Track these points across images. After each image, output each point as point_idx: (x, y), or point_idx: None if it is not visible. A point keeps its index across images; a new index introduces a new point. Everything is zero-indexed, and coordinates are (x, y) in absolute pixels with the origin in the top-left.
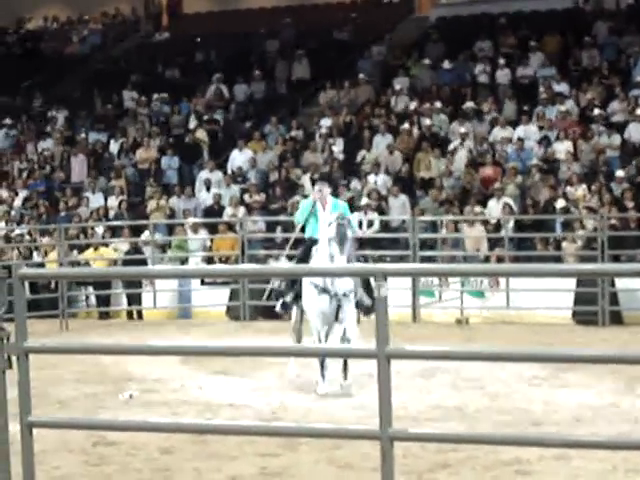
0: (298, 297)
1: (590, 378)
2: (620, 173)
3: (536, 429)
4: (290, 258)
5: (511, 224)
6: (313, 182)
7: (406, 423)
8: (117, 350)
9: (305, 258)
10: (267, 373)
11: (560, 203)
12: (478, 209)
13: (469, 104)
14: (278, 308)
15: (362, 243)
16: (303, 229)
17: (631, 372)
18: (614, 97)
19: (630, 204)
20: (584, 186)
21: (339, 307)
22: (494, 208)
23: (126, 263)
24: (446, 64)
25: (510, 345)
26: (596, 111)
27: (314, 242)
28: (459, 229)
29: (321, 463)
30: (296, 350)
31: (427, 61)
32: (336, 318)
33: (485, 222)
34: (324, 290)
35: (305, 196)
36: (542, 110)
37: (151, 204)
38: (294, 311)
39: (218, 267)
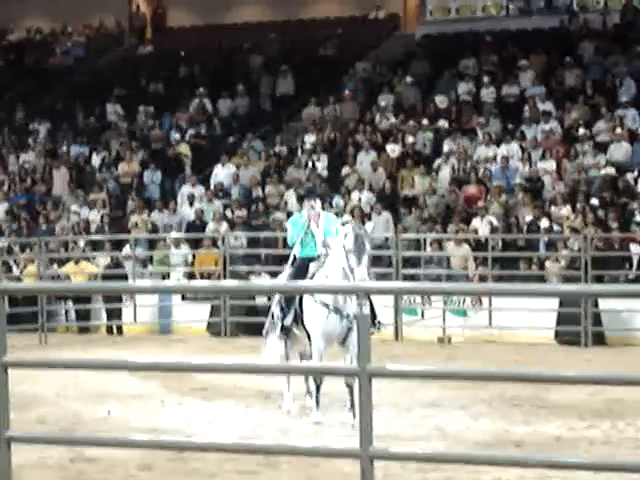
0: (297, 319)
1: (571, 399)
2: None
3: (517, 450)
4: (272, 275)
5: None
6: (301, 198)
7: (386, 442)
8: (96, 365)
9: (300, 276)
10: (248, 390)
11: (544, 223)
12: (464, 227)
13: (453, 122)
14: (278, 333)
15: None
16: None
17: (612, 394)
18: (599, 117)
19: (614, 224)
20: (568, 206)
21: (348, 329)
22: (478, 227)
23: (106, 277)
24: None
25: (492, 365)
26: (581, 131)
27: (310, 260)
28: (443, 247)
29: None
30: (281, 368)
31: (411, 79)
32: (343, 341)
33: (469, 241)
34: (336, 310)
35: (289, 214)
36: (526, 129)
37: (132, 218)
38: (272, 344)
39: (200, 283)
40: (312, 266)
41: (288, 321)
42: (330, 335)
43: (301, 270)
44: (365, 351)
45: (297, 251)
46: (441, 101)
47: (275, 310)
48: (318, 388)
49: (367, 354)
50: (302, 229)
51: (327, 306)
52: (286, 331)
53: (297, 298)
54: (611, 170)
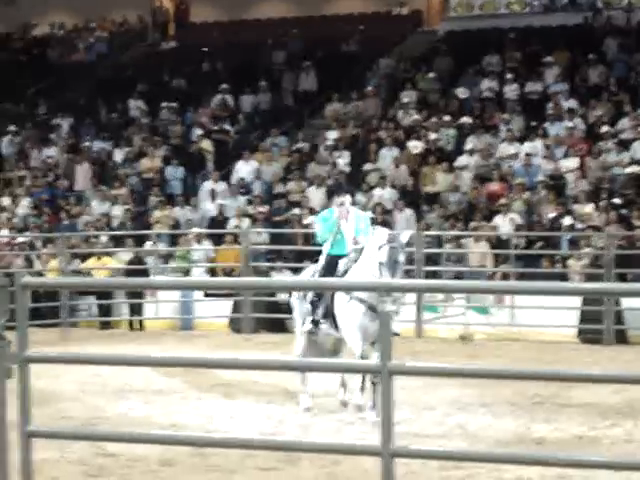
0: (327, 314)
1: (593, 397)
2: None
3: (538, 448)
4: (294, 272)
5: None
6: (331, 194)
7: (407, 440)
8: (118, 361)
9: (329, 274)
10: (269, 387)
11: (567, 220)
12: (484, 224)
13: (477, 119)
14: (308, 327)
15: None
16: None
17: (634, 392)
18: (623, 114)
19: (637, 222)
20: (591, 204)
21: None
22: (500, 224)
23: (128, 273)
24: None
25: (514, 362)
26: (604, 128)
27: (340, 258)
28: (462, 245)
29: (321, 478)
30: (300, 364)
31: (435, 74)
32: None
33: (490, 238)
34: (371, 307)
35: (311, 210)
36: (550, 126)
37: (154, 214)
38: (300, 338)
39: (222, 279)
40: (342, 263)
41: (318, 315)
42: (366, 331)
43: (330, 267)
44: (386, 348)
45: (327, 248)
46: (462, 92)
47: (303, 306)
48: (375, 388)
49: (388, 351)
50: (333, 226)
51: (364, 302)
52: (316, 325)
53: (329, 294)
54: (635, 168)
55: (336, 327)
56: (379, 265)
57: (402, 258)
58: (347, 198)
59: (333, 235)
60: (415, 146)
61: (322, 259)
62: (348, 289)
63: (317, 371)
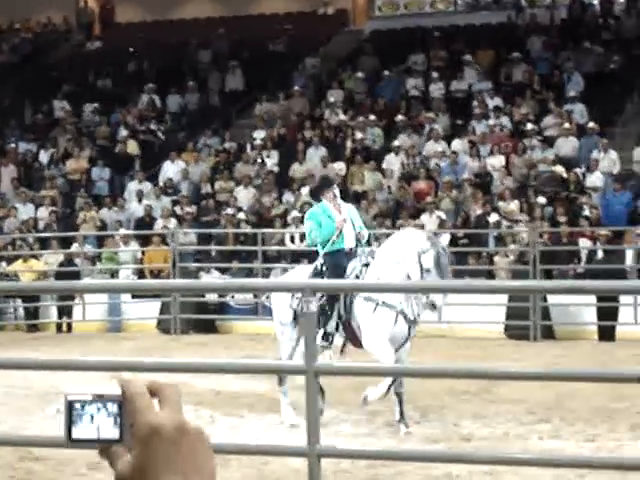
0: (340, 324)
1: (521, 393)
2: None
3: (466, 444)
4: (222, 272)
5: (447, 238)
6: (317, 190)
7: (337, 438)
8: (45, 365)
9: (339, 275)
10: (198, 389)
11: (493, 217)
12: (413, 222)
13: (403, 117)
14: (319, 341)
15: (295, 256)
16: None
17: (562, 387)
18: (547, 112)
19: (562, 219)
20: (516, 201)
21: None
22: (427, 222)
23: (59, 275)
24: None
25: (442, 359)
26: (529, 126)
27: (343, 255)
28: None
29: (250, 479)
30: (222, 366)
31: (361, 74)
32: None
33: None
34: (402, 313)
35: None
36: (475, 124)
37: (81, 215)
38: (286, 345)
39: (151, 282)
40: (350, 267)
41: (331, 327)
42: (396, 341)
43: (339, 268)
44: (312, 349)
45: (324, 246)
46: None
47: (288, 313)
48: (400, 399)
49: (313, 352)
50: (332, 222)
51: (394, 308)
52: (328, 339)
53: (342, 300)
54: (558, 165)
55: (353, 338)
56: (423, 272)
57: (447, 262)
58: (337, 190)
59: (332, 238)
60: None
61: (321, 259)
62: (268, 290)
63: (241, 373)
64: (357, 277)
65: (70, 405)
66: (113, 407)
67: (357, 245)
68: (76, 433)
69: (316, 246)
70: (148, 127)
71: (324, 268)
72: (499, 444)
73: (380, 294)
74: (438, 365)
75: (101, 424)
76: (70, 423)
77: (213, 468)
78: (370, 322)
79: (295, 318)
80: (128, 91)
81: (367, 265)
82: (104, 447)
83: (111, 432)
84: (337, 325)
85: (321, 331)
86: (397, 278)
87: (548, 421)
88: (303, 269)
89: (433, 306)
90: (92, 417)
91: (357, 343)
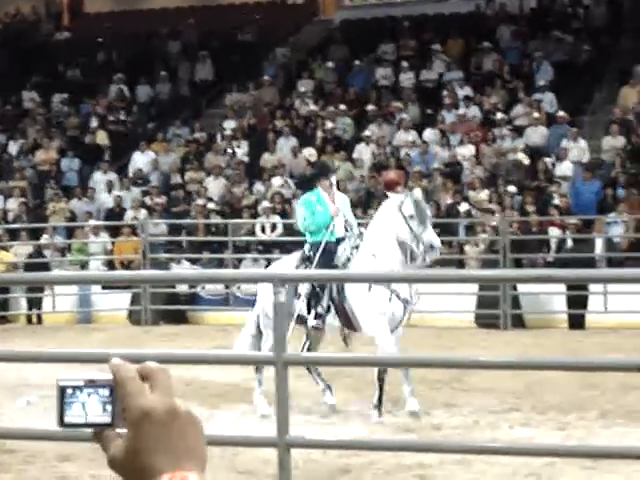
0: (332, 306)
1: (492, 382)
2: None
3: (437, 433)
4: (193, 262)
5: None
6: (313, 178)
7: (309, 428)
8: (15, 357)
9: (329, 262)
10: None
11: (463, 206)
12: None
13: (373, 107)
14: (312, 322)
15: (265, 247)
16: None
17: (532, 375)
18: (517, 101)
19: (531, 208)
20: (486, 190)
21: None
22: None
23: (28, 267)
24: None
25: (413, 349)
26: (499, 115)
27: (334, 244)
28: None
29: (221, 470)
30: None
31: (331, 64)
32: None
33: None
34: (396, 293)
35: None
36: (445, 114)
37: (51, 206)
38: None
39: (121, 273)
40: (340, 249)
41: (322, 308)
42: (393, 321)
43: (329, 255)
44: (281, 339)
45: (316, 235)
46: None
47: (298, 304)
48: (381, 384)
49: (283, 342)
50: (326, 210)
51: (388, 287)
52: (321, 319)
53: (334, 284)
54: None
55: (347, 321)
56: (408, 219)
57: (425, 205)
58: (334, 179)
59: (332, 223)
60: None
61: (308, 247)
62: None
63: (212, 364)
64: (348, 260)
65: (62, 390)
66: (104, 392)
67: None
68: (68, 418)
69: (306, 234)
70: (118, 117)
71: (311, 254)
72: (470, 433)
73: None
74: (409, 355)
75: (93, 409)
76: (62, 408)
77: (204, 450)
78: (365, 302)
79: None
80: (97, 81)
81: (357, 247)
82: (97, 431)
83: (103, 417)
84: (329, 307)
85: (312, 312)
86: (389, 247)
87: (518, 409)
88: (290, 259)
89: (431, 247)
90: (84, 402)
91: (351, 326)
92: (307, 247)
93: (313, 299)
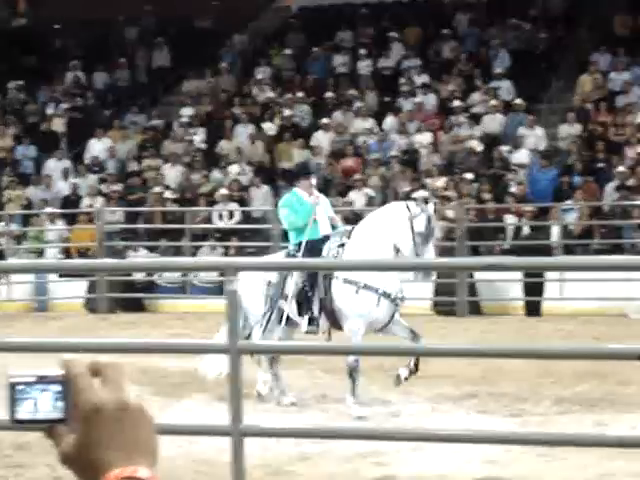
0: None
1: (450, 368)
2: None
3: (394, 420)
4: (150, 250)
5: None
6: (293, 177)
7: (262, 416)
8: None
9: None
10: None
11: (419, 194)
12: (342, 200)
13: (331, 95)
14: (305, 327)
15: (223, 234)
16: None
17: (489, 362)
18: (474, 89)
19: (487, 196)
20: (444, 178)
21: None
22: (355, 199)
23: None
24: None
25: (370, 336)
26: (456, 103)
27: (318, 242)
28: None
29: (178, 458)
30: (155, 346)
31: (289, 51)
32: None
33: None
34: (385, 294)
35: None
36: (403, 101)
37: (7, 194)
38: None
39: (77, 261)
40: (325, 249)
41: (316, 311)
42: (378, 323)
43: (314, 254)
44: (234, 327)
45: (301, 234)
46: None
47: (286, 306)
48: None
49: (236, 330)
50: (310, 211)
51: (376, 291)
52: (314, 323)
53: (321, 284)
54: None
55: (332, 321)
56: (415, 236)
57: (435, 226)
58: (314, 180)
59: (310, 220)
60: (270, 127)
61: (292, 247)
62: (189, 270)
63: (165, 352)
64: (334, 258)
65: (12, 387)
66: (56, 388)
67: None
68: (20, 414)
69: (290, 236)
70: (74, 104)
71: (296, 252)
72: (426, 419)
73: (361, 276)
74: (367, 343)
75: (45, 405)
76: (13, 404)
77: (155, 444)
78: (351, 305)
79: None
80: (54, 68)
81: (342, 245)
82: (49, 427)
83: (55, 412)
84: (320, 309)
85: (306, 317)
86: (384, 251)
87: (475, 396)
88: (274, 258)
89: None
90: (35, 398)
91: (338, 326)
92: (291, 247)
93: (304, 302)
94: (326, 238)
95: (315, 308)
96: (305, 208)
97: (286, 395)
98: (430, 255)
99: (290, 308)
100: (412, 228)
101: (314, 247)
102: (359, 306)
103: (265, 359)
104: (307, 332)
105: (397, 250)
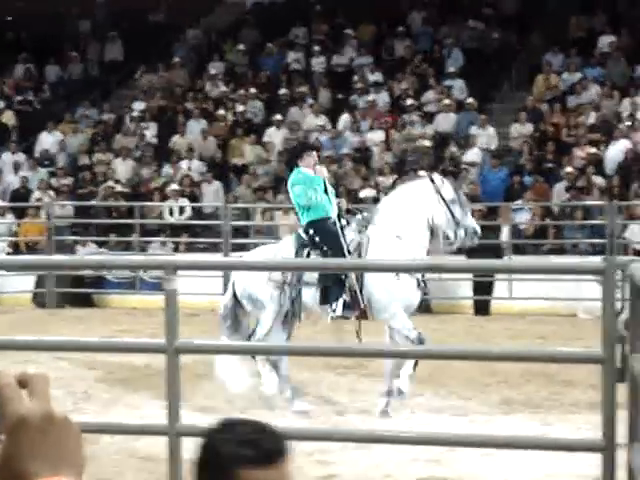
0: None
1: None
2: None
3: (340, 418)
4: (99, 245)
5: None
6: (296, 154)
7: (205, 415)
8: None
9: (339, 248)
10: (74, 361)
11: (367, 192)
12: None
13: (284, 91)
14: (340, 311)
15: (174, 230)
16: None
17: (434, 361)
18: (427, 87)
19: None
20: (396, 176)
21: None
22: None
23: None
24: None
25: (320, 335)
26: (409, 101)
27: (333, 222)
28: (273, 217)
29: (122, 454)
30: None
31: (242, 46)
32: None
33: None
34: (418, 280)
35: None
36: (356, 99)
37: None
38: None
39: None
40: (348, 237)
41: (348, 296)
42: (410, 309)
43: (331, 235)
44: (173, 326)
45: (315, 211)
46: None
47: (276, 292)
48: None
49: (174, 329)
50: (320, 183)
51: (414, 276)
52: (350, 307)
53: (353, 275)
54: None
55: (358, 307)
56: (449, 203)
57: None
58: (316, 156)
59: (323, 196)
60: (223, 121)
61: (305, 229)
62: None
63: (100, 352)
64: (359, 244)
65: None
66: None
67: (339, 214)
68: None
69: (301, 215)
70: (25, 97)
71: (312, 235)
72: (373, 418)
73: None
74: (313, 343)
75: None
76: None
77: (82, 456)
78: (392, 289)
79: (280, 292)
80: (5, 61)
81: (365, 228)
82: None
83: None
84: (351, 295)
85: (340, 301)
86: (419, 230)
87: (421, 394)
88: (283, 245)
89: (475, 232)
90: None
91: (364, 314)
92: (302, 230)
93: (334, 286)
94: (340, 222)
95: (347, 294)
96: (317, 181)
97: (298, 400)
98: (472, 222)
99: (311, 295)
100: (443, 198)
101: (327, 228)
102: (399, 291)
103: (264, 359)
104: (339, 317)
105: (431, 229)
